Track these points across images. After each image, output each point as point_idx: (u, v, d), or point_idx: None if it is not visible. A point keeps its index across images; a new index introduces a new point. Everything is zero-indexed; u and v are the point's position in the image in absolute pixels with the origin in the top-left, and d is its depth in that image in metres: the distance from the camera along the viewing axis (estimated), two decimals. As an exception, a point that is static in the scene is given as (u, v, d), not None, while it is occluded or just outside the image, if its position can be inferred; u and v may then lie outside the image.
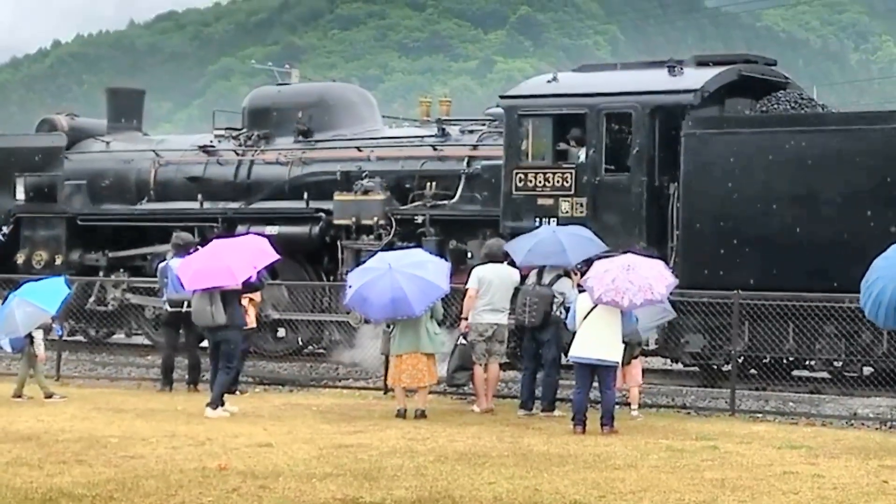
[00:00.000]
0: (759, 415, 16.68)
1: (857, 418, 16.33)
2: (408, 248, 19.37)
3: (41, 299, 17.33)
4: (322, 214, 22.33)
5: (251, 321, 18.23)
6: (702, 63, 20.37)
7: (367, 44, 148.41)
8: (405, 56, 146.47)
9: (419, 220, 21.54)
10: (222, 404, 15.87)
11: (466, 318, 16.67)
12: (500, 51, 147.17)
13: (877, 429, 15.73)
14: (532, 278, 16.41)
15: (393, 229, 21.64)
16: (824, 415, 16.55)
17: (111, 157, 25.30)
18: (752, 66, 20.42)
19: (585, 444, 13.64)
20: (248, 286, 16.11)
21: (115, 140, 25.66)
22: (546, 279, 16.31)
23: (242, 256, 15.79)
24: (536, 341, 16.29)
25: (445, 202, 21.65)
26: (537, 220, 19.73)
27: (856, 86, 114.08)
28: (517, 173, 20.08)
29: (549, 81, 20.67)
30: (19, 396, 17.47)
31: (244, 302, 17.89)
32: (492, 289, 16.51)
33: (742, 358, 18.90)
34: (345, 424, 14.91)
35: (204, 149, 24.35)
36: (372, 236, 21.72)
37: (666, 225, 19.25)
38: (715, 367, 19.20)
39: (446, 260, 17.42)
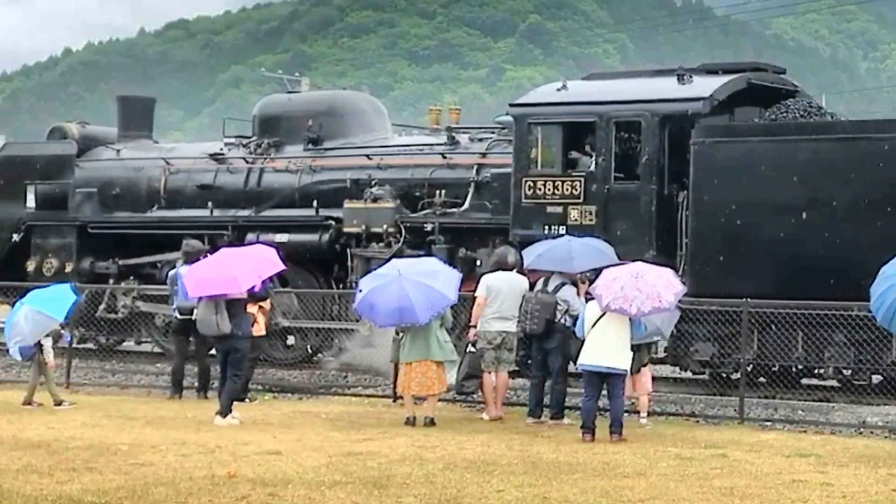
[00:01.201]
0: (768, 423, 16.64)
1: (867, 426, 16.29)
2: (421, 255, 19.32)
3: (49, 307, 17.33)
4: (332, 222, 22.35)
5: (261, 329, 18.25)
6: (711, 71, 20.32)
7: (376, 52, 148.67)
8: (415, 64, 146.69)
9: (429, 227, 21.53)
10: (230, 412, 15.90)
11: (475, 326, 16.67)
12: (509, 59, 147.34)
13: (886, 437, 15.67)
14: (539, 286, 16.37)
15: (402, 237, 21.64)
16: (833, 423, 16.52)
17: (122, 165, 25.30)
18: (761, 74, 20.38)
19: (594, 451, 13.61)
20: (253, 295, 16.06)
21: (125, 148, 25.64)
22: (550, 286, 16.28)
23: (247, 265, 15.73)
24: (543, 349, 16.27)
25: (455, 210, 21.64)
26: (546, 228, 19.72)
27: (865, 94, 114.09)
28: (526, 181, 20.06)
29: (558, 89, 20.64)
30: (29, 404, 17.49)
31: (253, 309, 17.94)
32: (500, 297, 16.49)
33: (751, 366, 18.91)
34: (354, 432, 14.89)
35: (214, 157, 24.34)
36: (382, 244, 21.71)
37: (675, 233, 19.18)
38: (724, 375, 19.19)
39: (457, 268, 17.41)
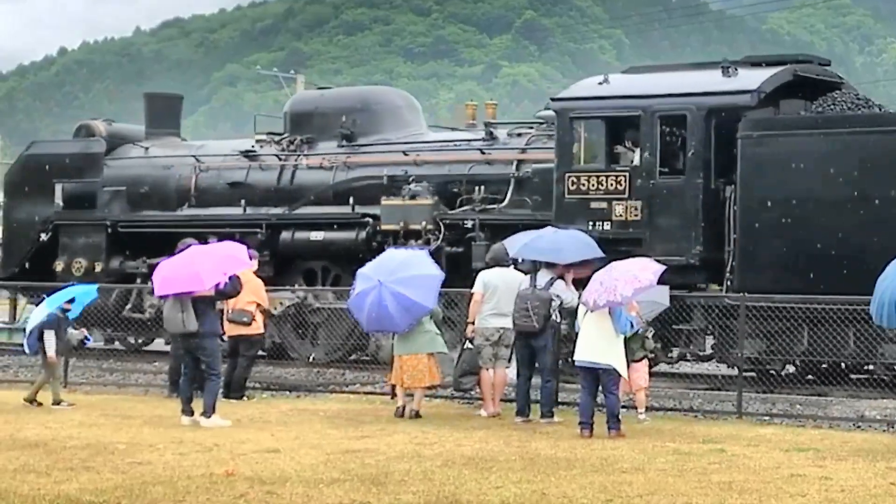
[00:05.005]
0: (766, 418, 16.55)
1: (865, 420, 16.21)
2: (411, 249, 18.83)
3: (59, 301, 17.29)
4: (369, 220, 22.08)
5: (259, 327, 18.19)
6: (754, 64, 20.10)
7: (372, 49, 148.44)
8: (410, 61, 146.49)
9: (468, 224, 21.29)
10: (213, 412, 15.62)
11: (473, 323, 16.52)
12: (505, 55, 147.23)
13: (884, 431, 15.57)
14: (526, 283, 16.03)
15: (441, 234, 21.40)
16: (831, 417, 16.44)
17: (150, 163, 25.06)
18: (805, 66, 20.15)
19: (592, 447, 13.55)
20: (221, 293, 15.79)
21: (153, 146, 25.39)
22: (541, 282, 15.94)
23: (212, 262, 15.49)
24: (531, 347, 15.94)
25: (494, 206, 21.42)
26: (591, 224, 19.49)
27: (861, 88, 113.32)
28: (569, 177, 19.80)
29: (600, 83, 20.35)
30: (33, 402, 17.10)
31: (252, 308, 17.90)
32: (497, 293, 16.31)
33: (800, 363, 18.72)
34: (352, 429, 14.81)
35: (246, 154, 24.08)
36: (420, 241, 21.43)
37: (722, 229, 18.96)
38: (773, 372, 18.98)
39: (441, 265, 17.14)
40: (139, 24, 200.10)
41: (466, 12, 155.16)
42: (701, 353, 19.53)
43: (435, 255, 20.97)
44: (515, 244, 16.59)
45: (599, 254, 16.56)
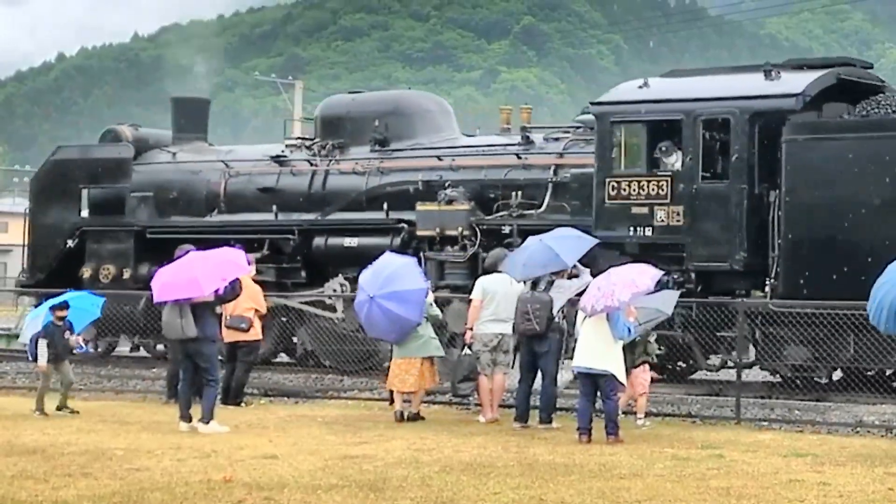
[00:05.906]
0: (765, 423, 16.53)
1: (863, 426, 16.16)
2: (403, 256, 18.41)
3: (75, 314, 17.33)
4: (403, 225, 21.85)
5: (258, 333, 18.11)
6: (796, 67, 19.94)
7: (370, 55, 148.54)
8: (409, 66, 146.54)
9: (506, 230, 21.03)
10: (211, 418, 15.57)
11: (471, 329, 16.47)
12: (503, 61, 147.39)
13: (882, 436, 15.57)
14: (526, 288, 15.97)
15: (478, 240, 21.16)
16: (830, 422, 16.41)
17: (178, 169, 24.76)
18: (848, 69, 19.96)
19: (591, 453, 13.56)
20: (220, 298, 15.75)
21: (181, 151, 25.10)
22: (541, 286, 15.89)
23: (210, 268, 15.47)
24: (534, 352, 15.86)
25: (532, 212, 21.16)
26: (632, 229, 19.32)
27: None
28: (610, 181, 19.60)
29: (640, 87, 20.15)
30: (65, 408, 17.03)
31: (250, 314, 17.85)
32: (496, 299, 16.27)
33: (841, 371, 18.57)
34: (350, 435, 14.83)
35: (276, 159, 23.83)
36: (456, 247, 21.25)
37: (766, 234, 18.77)
38: (817, 379, 18.79)
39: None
40: (138, 29, 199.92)
41: (465, 17, 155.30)
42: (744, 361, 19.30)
43: (471, 260, 21.04)
44: (515, 266, 16.31)
45: (593, 242, 16.66)
